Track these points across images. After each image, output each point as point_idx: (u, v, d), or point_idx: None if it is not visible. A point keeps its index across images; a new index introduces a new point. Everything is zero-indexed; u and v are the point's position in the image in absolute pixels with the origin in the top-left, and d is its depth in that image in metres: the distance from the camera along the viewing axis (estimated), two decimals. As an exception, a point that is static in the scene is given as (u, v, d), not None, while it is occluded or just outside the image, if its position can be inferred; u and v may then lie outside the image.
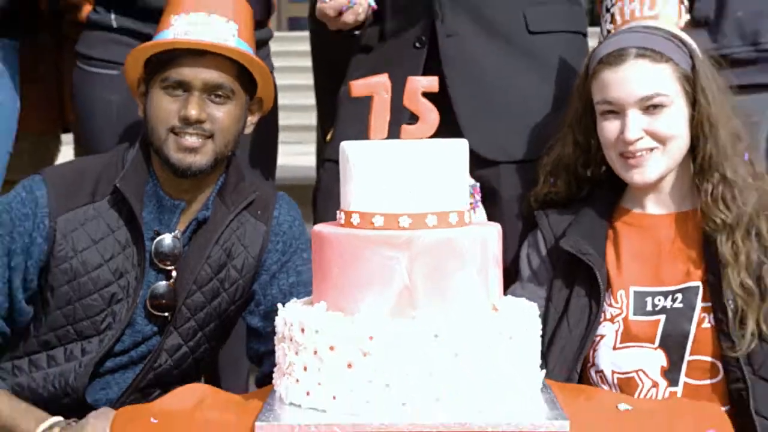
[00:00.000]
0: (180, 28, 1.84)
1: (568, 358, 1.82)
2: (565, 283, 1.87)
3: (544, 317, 1.85)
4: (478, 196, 1.86)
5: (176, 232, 1.85)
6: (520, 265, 1.97)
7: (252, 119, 1.94)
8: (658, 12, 1.94)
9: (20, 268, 1.79)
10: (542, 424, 1.35)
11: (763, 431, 1.72)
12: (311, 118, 4.93)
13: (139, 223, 1.81)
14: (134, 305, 1.82)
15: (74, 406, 1.77)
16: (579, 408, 1.44)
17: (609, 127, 1.85)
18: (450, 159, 1.44)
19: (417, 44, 2.11)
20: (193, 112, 1.79)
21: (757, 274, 1.75)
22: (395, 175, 1.42)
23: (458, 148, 1.46)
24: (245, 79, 1.87)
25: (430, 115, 1.47)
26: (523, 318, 1.45)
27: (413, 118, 1.47)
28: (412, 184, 1.41)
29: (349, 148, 1.45)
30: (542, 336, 1.75)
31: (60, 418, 1.70)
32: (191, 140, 1.80)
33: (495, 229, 1.49)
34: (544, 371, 1.49)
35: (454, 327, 1.36)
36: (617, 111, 1.84)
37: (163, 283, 1.84)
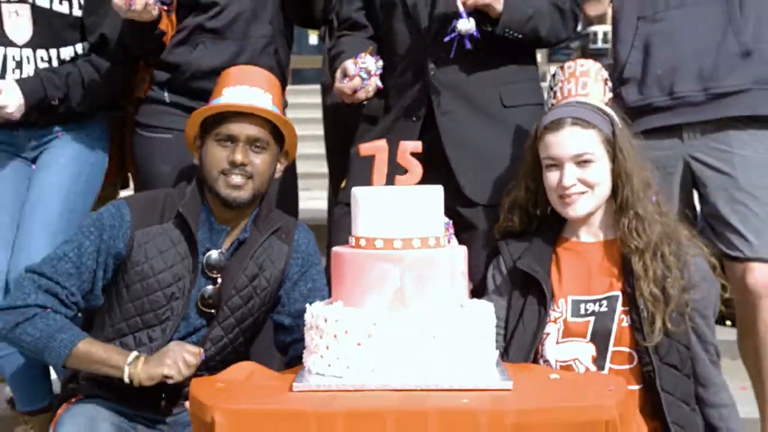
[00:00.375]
0: (229, 97, 2.43)
1: (523, 351, 2.36)
2: (520, 294, 2.43)
3: (506, 320, 2.41)
4: (451, 230, 2.44)
5: (222, 249, 2.42)
6: (486, 282, 2.53)
7: (280, 167, 2.53)
8: (589, 92, 2.48)
9: (103, 263, 2.34)
10: (495, 384, 1.92)
11: (667, 403, 2.26)
12: (312, 166, 5.48)
13: (196, 241, 2.38)
14: (187, 303, 2.37)
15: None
16: (521, 377, 2.00)
17: (551, 177, 2.42)
18: (429, 200, 2.03)
19: (414, 118, 2.69)
20: (239, 157, 2.37)
21: (662, 286, 2.31)
22: (391, 211, 1.99)
23: (435, 193, 2.05)
24: (277, 135, 2.45)
25: (416, 169, 2.06)
26: (482, 313, 2.02)
27: (404, 171, 2.06)
28: (402, 217, 1.99)
29: (358, 192, 2.03)
30: (504, 334, 2.34)
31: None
32: (237, 180, 2.38)
33: (461, 250, 2.07)
34: (498, 351, 2.06)
35: (433, 318, 1.92)
36: (557, 164, 2.41)
37: (210, 287, 2.40)
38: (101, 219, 2.38)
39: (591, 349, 2.33)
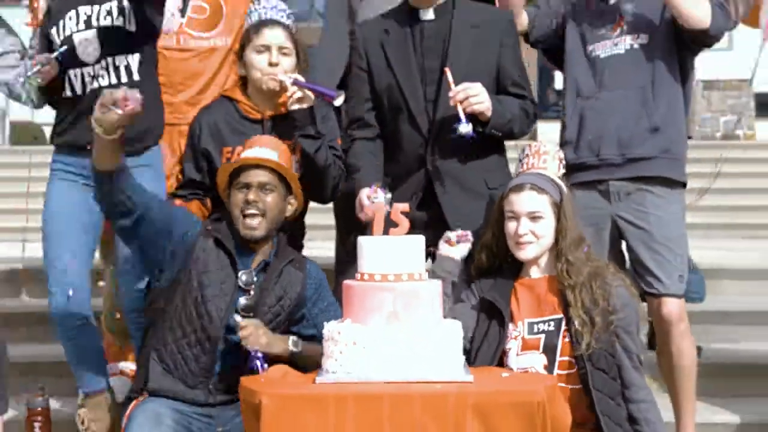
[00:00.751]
0: (249, 155, 3.20)
1: (485, 362, 3.13)
2: (486, 317, 3.14)
3: (471, 338, 3.17)
4: (470, 237, 3.24)
5: (251, 269, 3.15)
6: (461, 296, 3.22)
7: (291, 207, 3.25)
8: (547, 166, 3.23)
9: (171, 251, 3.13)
10: (460, 377, 2.68)
11: (597, 399, 2.95)
12: (315, 219, 6.25)
13: (236, 262, 3.14)
14: (228, 310, 3.10)
15: None
16: (481, 374, 2.77)
17: (510, 226, 3.16)
18: (414, 246, 2.79)
19: (413, 198, 3.42)
20: (251, 196, 3.12)
21: (588, 313, 3.06)
22: (386, 254, 2.77)
23: (418, 241, 2.82)
24: (284, 183, 3.20)
25: (405, 223, 2.83)
26: (453, 329, 2.78)
27: (396, 225, 2.85)
28: (395, 258, 2.76)
29: (363, 240, 2.81)
30: (470, 349, 3.10)
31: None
32: (252, 222, 3.12)
33: (438, 283, 2.84)
34: (465, 356, 2.82)
35: (417, 332, 2.68)
36: (516, 217, 3.17)
37: (243, 300, 3.12)
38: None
39: (543, 359, 3.05)
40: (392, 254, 2.76)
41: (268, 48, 3.51)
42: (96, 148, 2.98)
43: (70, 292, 3.52)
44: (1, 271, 3.87)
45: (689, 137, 3.57)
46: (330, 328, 2.77)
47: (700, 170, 9.79)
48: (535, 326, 3.10)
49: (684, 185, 3.55)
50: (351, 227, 3.47)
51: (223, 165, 3.29)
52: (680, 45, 3.50)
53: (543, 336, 3.08)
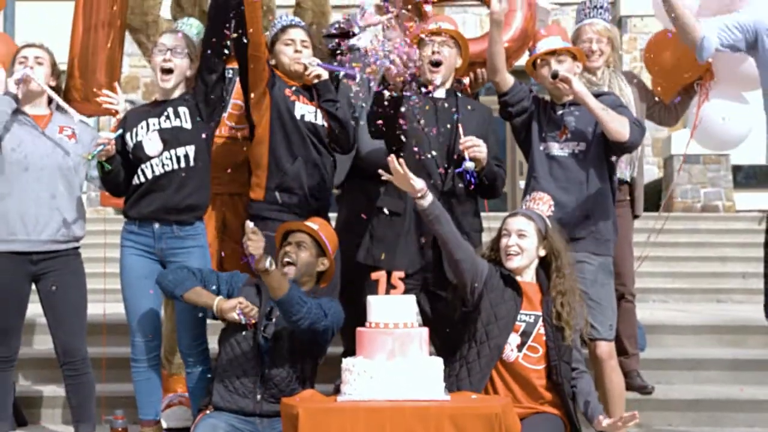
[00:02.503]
0: (293, 224, 4.35)
1: (504, 330, 4.12)
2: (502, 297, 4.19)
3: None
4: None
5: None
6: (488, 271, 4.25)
7: (322, 267, 4.34)
8: (538, 207, 4.30)
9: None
10: (440, 397, 3.73)
11: (561, 382, 4.03)
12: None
13: (264, 302, 4.23)
14: (258, 331, 4.18)
15: None
16: (455, 396, 3.83)
17: (503, 240, 4.22)
18: (408, 303, 3.86)
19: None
20: (288, 249, 4.26)
21: (559, 313, 4.10)
22: (387, 308, 3.83)
23: (410, 299, 3.89)
24: (318, 246, 4.32)
25: (401, 285, 3.90)
26: (435, 365, 3.82)
27: (394, 287, 3.93)
28: (393, 311, 3.82)
29: (371, 299, 3.88)
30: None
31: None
32: (288, 270, 4.24)
33: (425, 330, 3.90)
34: (443, 384, 3.87)
35: (410, 366, 3.73)
36: (508, 234, 4.23)
37: (271, 327, 4.22)
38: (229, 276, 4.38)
39: (518, 340, 4.13)
40: (392, 309, 3.84)
41: (293, 41, 4.83)
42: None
43: (150, 336, 4.61)
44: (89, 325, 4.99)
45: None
46: (346, 362, 3.83)
47: (677, 240, 11.01)
48: (521, 315, 4.18)
49: (612, 256, 4.64)
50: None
51: (279, 229, 4.46)
52: (607, 151, 4.61)
53: (524, 324, 4.18)
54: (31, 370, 5.51)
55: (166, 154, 4.62)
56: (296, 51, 4.80)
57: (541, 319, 4.17)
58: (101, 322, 5.50)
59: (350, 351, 4.24)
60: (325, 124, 4.80)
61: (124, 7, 5.13)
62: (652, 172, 15.58)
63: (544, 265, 4.28)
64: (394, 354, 3.76)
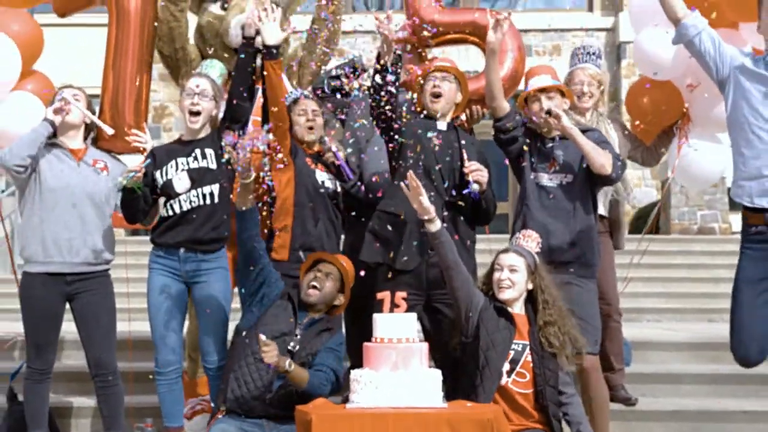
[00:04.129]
0: (325, 254, 4.82)
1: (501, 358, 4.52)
2: (497, 327, 4.59)
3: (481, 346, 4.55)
4: None
5: (301, 325, 4.68)
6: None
7: (338, 302, 4.82)
8: (528, 244, 4.70)
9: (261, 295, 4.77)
10: (438, 404, 4.17)
11: (547, 404, 4.43)
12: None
13: (297, 318, 4.68)
14: (282, 350, 4.58)
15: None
16: (451, 404, 4.27)
17: (496, 275, 4.62)
18: (410, 321, 4.31)
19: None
20: (318, 275, 4.72)
21: (550, 341, 4.53)
22: (391, 325, 4.26)
23: (412, 317, 4.34)
24: (341, 281, 4.79)
25: (403, 304, 4.35)
26: (434, 377, 4.25)
27: (397, 306, 4.37)
28: (396, 328, 4.25)
29: (377, 317, 4.33)
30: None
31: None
32: (311, 292, 4.71)
33: (425, 345, 4.34)
34: (443, 393, 4.30)
35: (410, 377, 4.17)
36: (500, 269, 4.63)
37: (297, 346, 4.66)
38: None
39: (507, 366, 4.52)
40: (395, 326, 4.28)
41: (305, 111, 5.29)
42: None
43: (172, 351, 5.07)
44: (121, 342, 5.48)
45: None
46: (354, 374, 4.27)
47: (672, 261, 11.45)
48: (511, 345, 4.57)
49: (596, 279, 5.09)
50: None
51: (309, 256, 4.96)
52: (591, 183, 5.05)
53: (513, 352, 4.56)
54: (62, 383, 5.94)
55: (193, 191, 5.09)
56: (308, 120, 5.28)
57: (528, 347, 4.57)
58: (127, 338, 5.95)
59: (357, 364, 4.68)
60: (339, 189, 5.33)
61: (152, 46, 5.62)
62: (650, 194, 16.04)
63: (531, 299, 4.68)
64: (397, 366, 4.20)
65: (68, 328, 5.37)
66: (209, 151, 5.13)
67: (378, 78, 4.95)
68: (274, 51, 5.04)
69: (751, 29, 5.27)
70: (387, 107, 4.96)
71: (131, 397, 5.48)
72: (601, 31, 16.83)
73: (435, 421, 4.07)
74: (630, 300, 8.91)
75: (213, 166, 5.12)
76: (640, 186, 15.80)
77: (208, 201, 5.10)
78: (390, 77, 4.93)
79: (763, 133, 4.33)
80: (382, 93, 4.95)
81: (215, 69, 5.38)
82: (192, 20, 5.87)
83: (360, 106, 5.68)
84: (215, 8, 5.71)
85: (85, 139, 5.33)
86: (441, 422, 4.06)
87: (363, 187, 5.49)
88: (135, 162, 5.15)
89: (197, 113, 5.16)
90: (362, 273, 4.97)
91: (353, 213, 5.45)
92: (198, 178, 5.10)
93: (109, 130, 5.30)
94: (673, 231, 14.78)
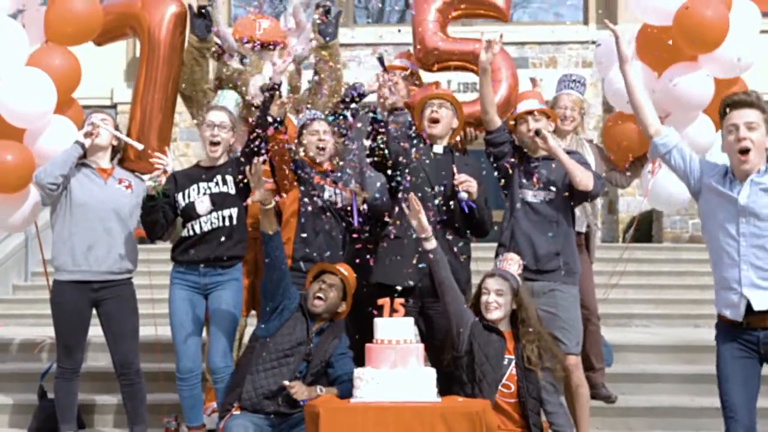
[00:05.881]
0: (327, 265, 5.30)
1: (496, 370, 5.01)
2: (487, 343, 5.06)
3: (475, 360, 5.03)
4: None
5: (312, 332, 5.17)
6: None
7: (340, 309, 5.29)
8: (510, 268, 5.17)
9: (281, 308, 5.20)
10: (433, 399, 4.66)
11: (529, 414, 4.90)
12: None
13: (310, 329, 5.17)
14: (300, 358, 5.10)
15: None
16: (444, 399, 4.76)
17: (483, 298, 5.07)
18: (407, 324, 4.81)
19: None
20: (322, 286, 5.19)
21: (530, 358, 5.02)
22: (390, 328, 4.75)
23: (409, 321, 4.83)
24: (344, 290, 5.26)
25: (401, 309, 4.85)
26: (429, 374, 4.74)
27: (396, 311, 4.86)
28: (395, 330, 4.74)
29: (378, 321, 4.83)
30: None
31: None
32: (317, 302, 5.18)
33: (421, 346, 4.84)
34: (437, 389, 4.79)
35: (409, 375, 4.66)
36: (488, 292, 5.07)
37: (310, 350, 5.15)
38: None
39: None
40: (394, 329, 4.77)
41: (317, 132, 5.71)
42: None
43: (192, 358, 5.55)
44: (142, 344, 5.98)
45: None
46: (357, 372, 4.75)
47: (661, 269, 11.90)
48: (504, 356, 5.01)
49: (577, 286, 5.58)
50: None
51: (314, 266, 5.41)
52: (571, 199, 5.55)
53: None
54: (86, 383, 6.38)
55: (214, 214, 5.60)
56: (319, 140, 5.74)
57: (513, 362, 5.03)
58: (154, 341, 6.45)
59: (360, 363, 5.16)
60: (343, 203, 5.73)
61: (178, 76, 6.15)
62: (643, 203, 16.46)
63: (514, 318, 5.12)
64: (396, 365, 4.69)
65: (92, 332, 5.87)
66: (229, 178, 5.63)
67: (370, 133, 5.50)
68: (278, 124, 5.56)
69: (707, 58, 5.89)
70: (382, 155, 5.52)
71: (160, 395, 5.94)
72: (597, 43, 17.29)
73: (430, 414, 4.55)
74: (620, 306, 9.47)
75: (232, 191, 5.63)
76: (634, 195, 16.23)
77: (227, 223, 5.61)
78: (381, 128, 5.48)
79: (731, 249, 4.38)
80: (377, 144, 5.50)
81: (230, 99, 5.89)
82: (212, 66, 6.38)
83: (363, 121, 6.17)
84: (235, 63, 6.22)
85: (112, 159, 5.85)
86: (435, 415, 4.54)
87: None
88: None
89: (217, 143, 5.67)
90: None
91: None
92: (219, 201, 5.61)
93: (138, 146, 5.82)
94: (666, 239, 15.15)
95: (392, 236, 5.55)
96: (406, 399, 4.61)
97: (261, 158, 5.27)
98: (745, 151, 4.30)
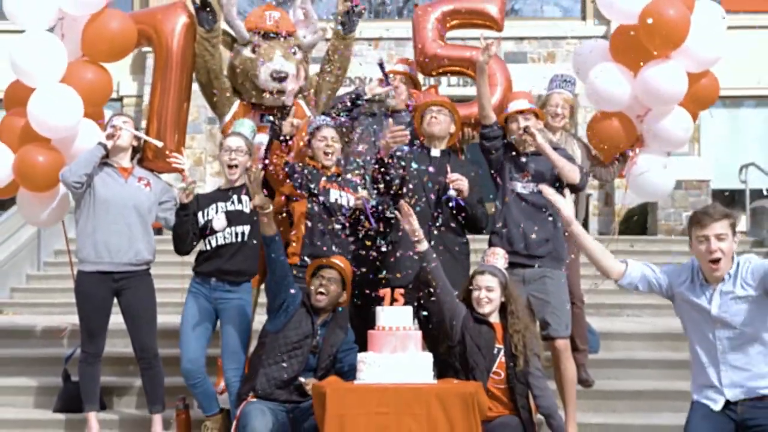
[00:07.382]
0: (323, 260, 5.70)
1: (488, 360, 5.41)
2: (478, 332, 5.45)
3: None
4: None
5: (317, 326, 5.59)
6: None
7: (341, 300, 5.70)
8: (497, 262, 5.56)
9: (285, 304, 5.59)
10: (429, 381, 5.08)
11: (518, 398, 5.30)
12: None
13: (315, 323, 5.59)
14: (308, 350, 5.53)
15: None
16: (440, 381, 5.20)
17: (475, 293, 5.44)
18: (405, 313, 5.23)
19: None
20: (323, 282, 5.59)
21: (520, 349, 5.42)
22: (390, 316, 5.19)
23: (407, 310, 5.27)
24: (342, 282, 5.66)
25: (401, 299, 5.28)
26: (426, 358, 5.16)
27: (396, 301, 5.29)
28: (395, 318, 5.17)
29: (379, 309, 5.26)
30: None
31: None
32: (319, 297, 5.59)
33: (419, 333, 5.26)
34: (433, 372, 5.22)
35: (408, 359, 5.07)
36: (479, 289, 5.46)
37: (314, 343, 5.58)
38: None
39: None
40: (394, 317, 5.20)
41: (325, 138, 6.05)
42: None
43: (195, 361, 5.97)
44: (162, 331, 6.44)
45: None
46: (361, 356, 5.17)
47: (653, 261, 12.26)
48: (494, 346, 5.40)
49: (565, 273, 5.99)
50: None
51: (311, 264, 5.78)
52: (560, 191, 5.91)
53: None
54: (106, 367, 6.74)
55: (228, 230, 6.03)
56: (327, 146, 6.11)
57: (502, 351, 5.41)
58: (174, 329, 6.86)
59: (363, 348, 5.52)
60: (351, 205, 6.09)
61: (191, 81, 6.57)
62: (626, 196, 16.82)
63: (503, 309, 5.49)
64: (396, 350, 5.12)
65: (113, 319, 6.28)
66: (245, 198, 6.04)
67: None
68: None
69: (679, 51, 6.30)
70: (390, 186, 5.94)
71: (178, 378, 6.27)
72: (594, 38, 17.61)
73: (427, 394, 4.97)
74: (613, 296, 9.84)
75: (246, 210, 6.04)
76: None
77: (239, 239, 6.03)
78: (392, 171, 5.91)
79: (702, 351, 4.59)
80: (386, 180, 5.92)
81: (246, 127, 6.28)
82: (225, 55, 6.71)
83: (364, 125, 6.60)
84: (247, 52, 6.57)
85: (132, 159, 6.27)
86: (431, 395, 4.97)
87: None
88: (173, 180, 6.04)
89: (235, 166, 6.09)
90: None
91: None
92: (233, 218, 6.04)
93: (158, 143, 6.26)
94: (660, 231, 15.48)
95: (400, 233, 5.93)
96: (405, 381, 5.03)
97: (259, 165, 5.67)
98: (716, 261, 4.51)
